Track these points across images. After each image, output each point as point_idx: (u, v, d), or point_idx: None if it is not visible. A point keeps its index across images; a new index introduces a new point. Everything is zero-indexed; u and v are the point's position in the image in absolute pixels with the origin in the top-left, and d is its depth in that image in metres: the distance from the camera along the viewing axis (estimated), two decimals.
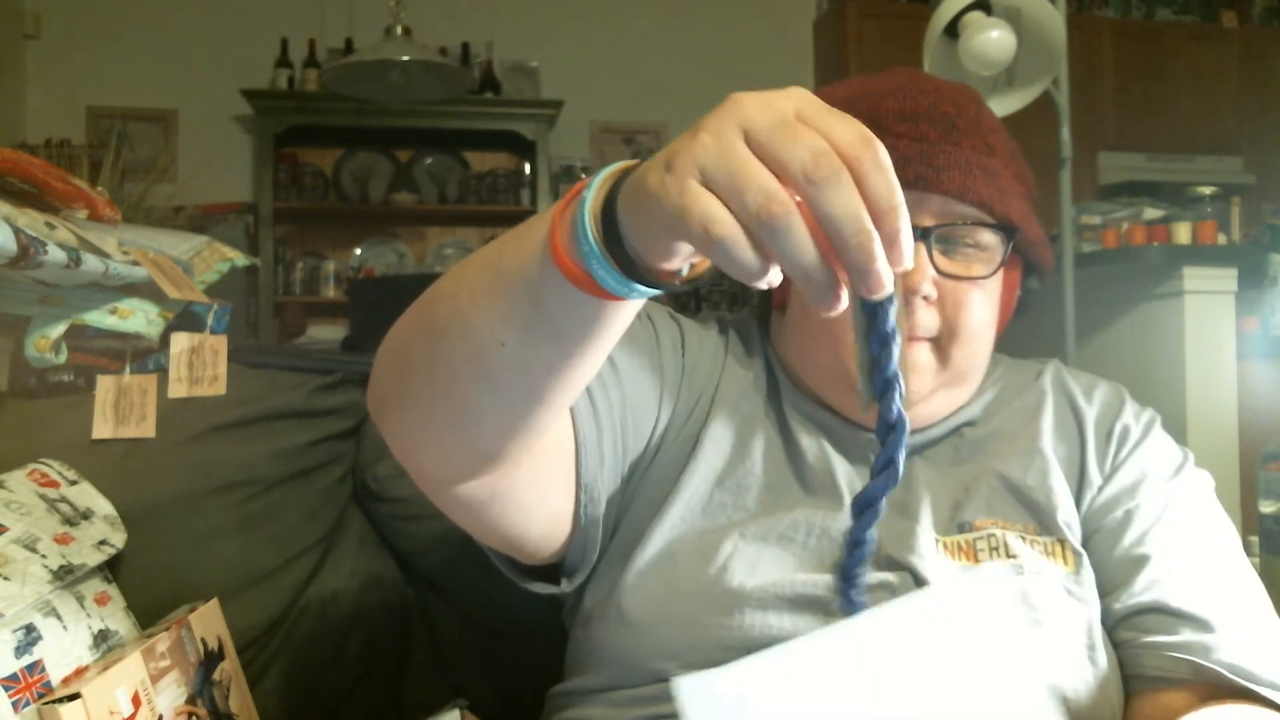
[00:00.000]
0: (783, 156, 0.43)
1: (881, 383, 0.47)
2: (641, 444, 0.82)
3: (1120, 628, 0.80)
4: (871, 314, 0.46)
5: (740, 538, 0.78)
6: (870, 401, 0.48)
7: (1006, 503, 0.82)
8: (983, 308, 0.81)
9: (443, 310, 0.59)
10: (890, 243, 0.44)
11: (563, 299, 0.51)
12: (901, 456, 0.47)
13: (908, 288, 0.77)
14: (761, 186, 0.43)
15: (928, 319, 0.79)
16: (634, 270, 0.48)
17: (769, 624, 0.74)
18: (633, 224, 0.47)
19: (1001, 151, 0.83)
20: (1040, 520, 0.81)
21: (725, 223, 0.43)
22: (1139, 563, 0.80)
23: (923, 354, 0.80)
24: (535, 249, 0.52)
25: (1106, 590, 0.81)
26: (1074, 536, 0.82)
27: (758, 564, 0.76)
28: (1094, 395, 0.89)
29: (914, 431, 0.84)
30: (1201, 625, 0.76)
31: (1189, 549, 0.80)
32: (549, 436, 0.69)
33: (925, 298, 0.78)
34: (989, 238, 0.81)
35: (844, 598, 0.52)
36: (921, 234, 0.78)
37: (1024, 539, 0.80)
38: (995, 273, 0.81)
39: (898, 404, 0.47)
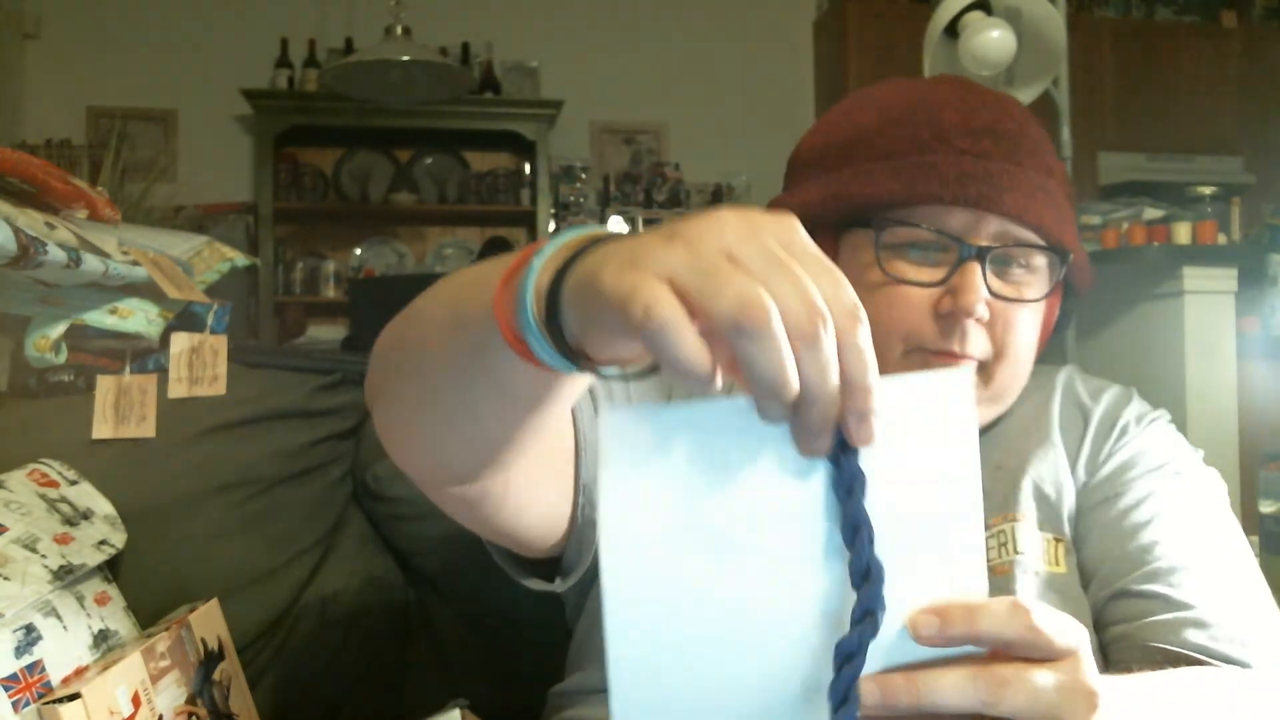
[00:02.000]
0: (770, 290, 0.39)
1: (850, 530, 0.43)
2: None
3: (1101, 613, 0.80)
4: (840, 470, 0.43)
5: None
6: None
7: (1016, 496, 0.83)
8: (1030, 329, 0.81)
9: (413, 335, 0.59)
10: (860, 420, 0.41)
11: (509, 364, 0.48)
12: (880, 607, 0.43)
13: (963, 308, 0.75)
14: (742, 289, 0.38)
15: (978, 341, 0.78)
16: (575, 358, 0.45)
17: None
18: (575, 308, 0.43)
19: (1058, 172, 0.82)
20: (1048, 514, 0.82)
21: (669, 307, 0.39)
22: (1119, 546, 0.80)
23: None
24: (482, 307, 0.48)
25: (1089, 575, 0.81)
26: (1072, 532, 0.82)
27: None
28: (1102, 396, 0.89)
29: None
30: (1176, 605, 0.76)
31: (1166, 535, 0.80)
32: (544, 443, 0.68)
33: (978, 319, 0.77)
34: (1042, 260, 0.80)
35: None
36: (977, 254, 0.76)
37: (1031, 532, 0.80)
38: (1047, 296, 0.80)
39: (867, 551, 0.43)
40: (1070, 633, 0.45)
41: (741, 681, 0.45)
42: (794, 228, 0.41)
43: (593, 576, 0.84)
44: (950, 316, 0.76)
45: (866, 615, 0.43)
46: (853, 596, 0.43)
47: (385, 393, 0.64)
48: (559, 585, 0.81)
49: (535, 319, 0.45)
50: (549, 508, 0.75)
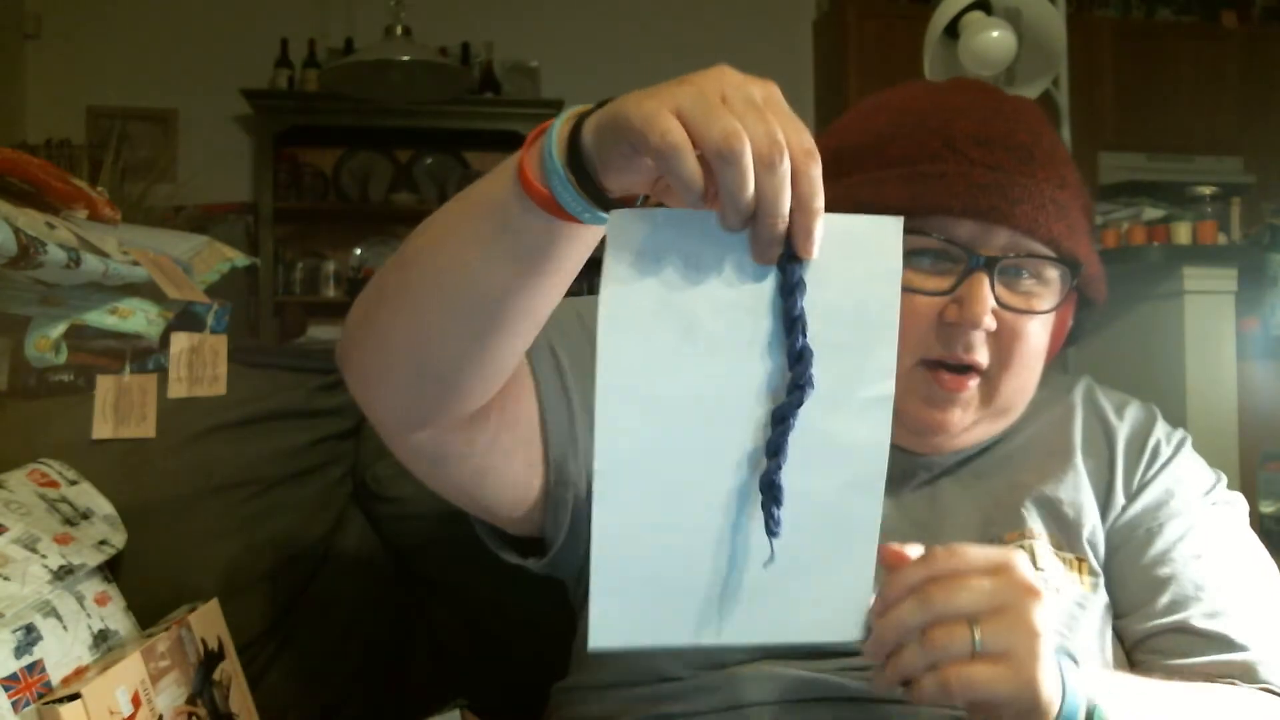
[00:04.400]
0: (745, 126, 0.49)
1: (789, 321, 0.54)
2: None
3: (1139, 649, 0.79)
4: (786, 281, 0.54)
5: None
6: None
7: (1035, 515, 0.81)
8: (1038, 341, 0.80)
9: (416, 243, 0.64)
10: (805, 235, 0.52)
11: (525, 219, 0.56)
12: (809, 384, 0.54)
13: (970, 319, 0.75)
14: (727, 125, 0.49)
15: (983, 350, 0.78)
16: (592, 194, 0.54)
17: None
18: (597, 141, 0.53)
19: (1071, 183, 0.81)
20: (1066, 535, 0.81)
21: (679, 133, 0.49)
22: (1161, 583, 0.79)
23: (970, 391, 0.78)
24: (505, 177, 0.57)
25: (1127, 609, 0.81)
26: (1095, 555, 0.81)
27: None
28: (1125, 412, 0.88)
29: (946, 455, 0.84)
30: (1227, 645, 0.76)
31: (1214, 570, 0.79)
32: (500, 401, 0.70)
33: (985, 329, 0.76)
34: (1053, 272, 0.79)
35: (765, 512, 0.55)
36: (986, 264, 0.76)
37: (1050, 550, 0.80)
38: (1056, 308, 0.80)
39: (801, 339, 0.54)
40: (996, 554, 0.58)
41: (700, 440, 0.55)
42: (773, 88, 0.52)
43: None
44: (956, 326, 0.76)
45: (797, 389, 0.54)
46: (788, 375, 0.54)
47: (364, 331, 0.67)
48: (533, 564, 0.81)
49: (561, 162, 0.54)
50: (515, 478, 0.76)
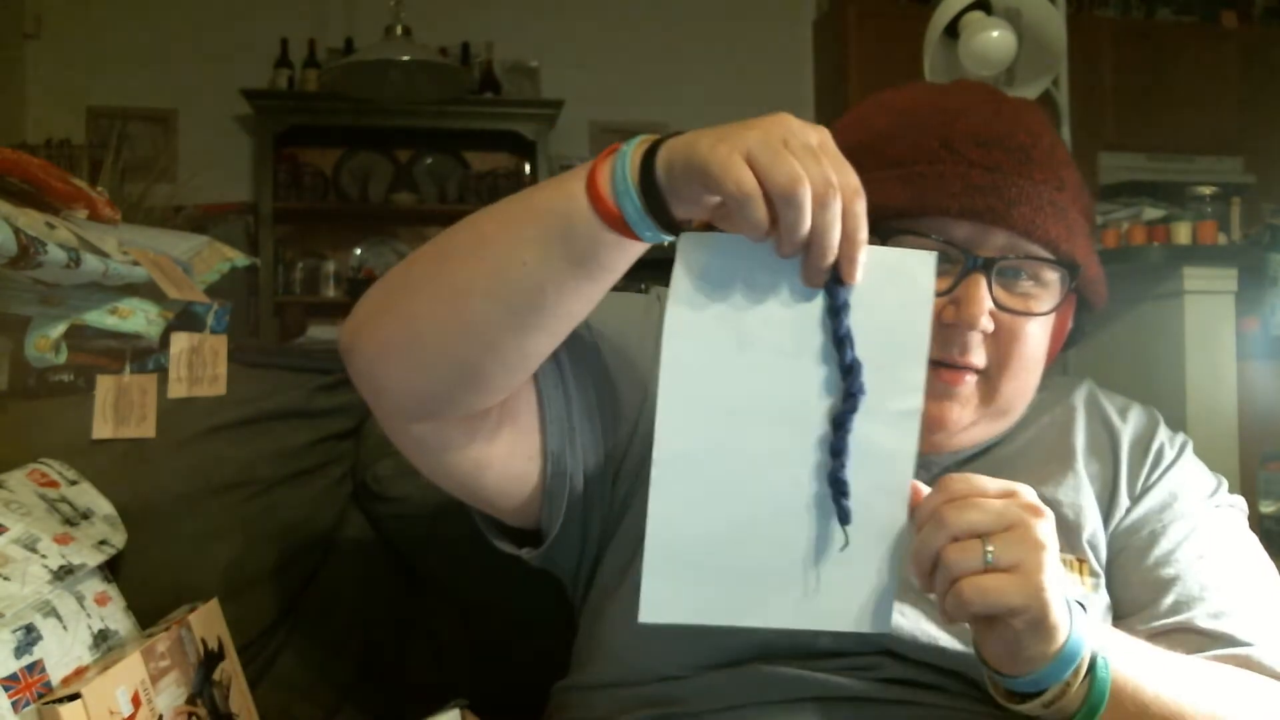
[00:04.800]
0: (805, 170, 0.57)
1: (839, 336, 0.61)
2: (613, 438, 0.82)
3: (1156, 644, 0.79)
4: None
5: None
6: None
7: None
8: (1036, 342, 0.80)
9: (461, 239, 0.68)
10: (850, 262, 0.60)
11: (589, 230, 0.62)
12: (860, 391, 0.61)
13: (966, 320, 0.76)
14: (791, 170, 0.56)
15: (980, 351, 0.78)
16: (657, 217, 0.60)
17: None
18: (670, 175, 0.59)
19: (1071, 184, 0.81)
20: (1066, 536, 0.80)
21: (752, 183, 0.56)
22: (1165, 584, 0.80)
23: (967, 385, 0.79)
24: (573, 188, 0.62)
25: (1130, 610, 0.81)
26: (1096, 557, 0.82)
27: None
28: (1129, 415, 0.89)
29: (944, 455, 0.84)
30: (1232, 644, 0.76)
31: (1217, 571, 0.80)
32: (505, 399, 0.72)
33: (982, 331, 0.77)
34: (1051, 274, 0.79)
35: (836, 505, 0.62)
36: (983, 265, 0.76)
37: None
38: (1054, 310, 0.80)
39: (851, 352, 0.61)
40: (1005, 481, 0.63)
41: (751, 439, 0.62)
42: (826, 133, 0.59)
43: (595, 570, 0.84)
44: (953, 327, 0.76)
45: (850, 396, 0.61)
46: (839, 385, 0.61)
47: (385, 316, 0.68)
48: (528, 554, 0.82)
49: (633, 184, 0.60)
50: (514, 470, 0.77)
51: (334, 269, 4.45)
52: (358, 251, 4.55)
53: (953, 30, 2.22)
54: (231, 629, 0.96)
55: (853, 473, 0.62)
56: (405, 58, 3.11)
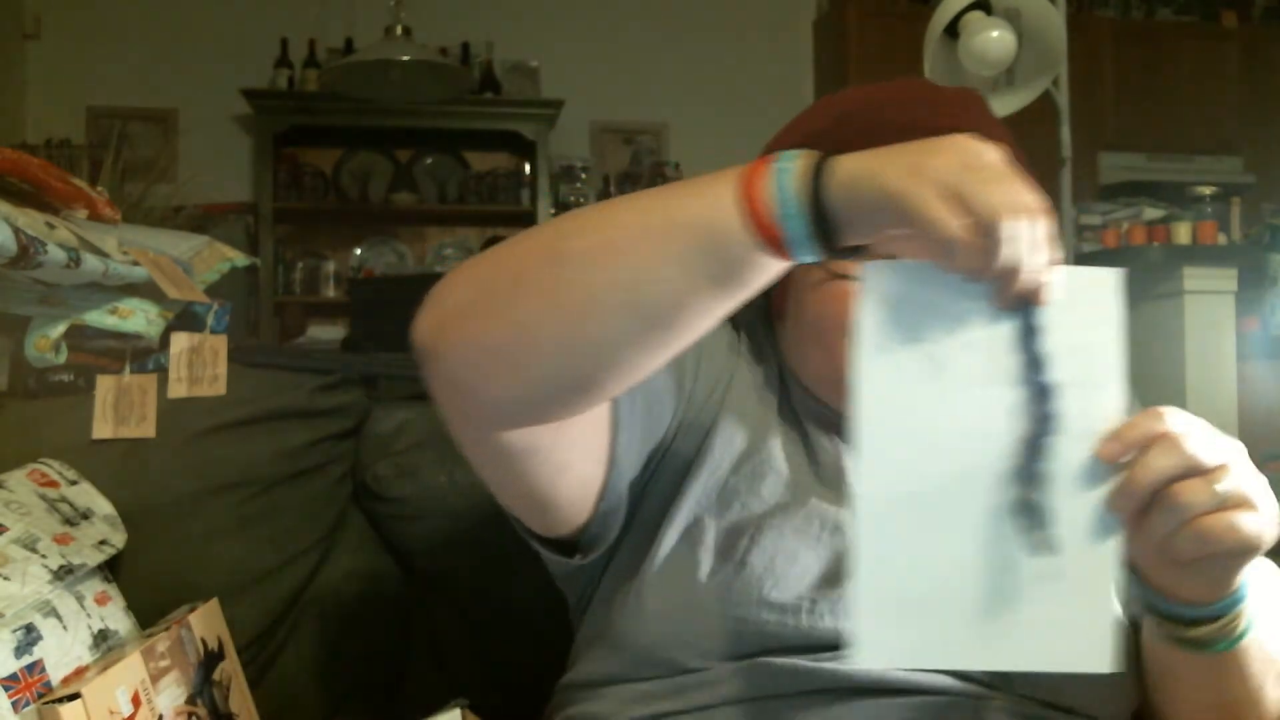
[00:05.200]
0: (1003, 196, 0.55)
1: (1032, 360, 0.59)
2: (661, 431, 0.83)
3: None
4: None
5: (757, 530, 0.79)
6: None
7: None
8: None
9: (583, 244, 0.63)
10: (1041, 285, 0.58)
11: (739, 248, 0.59)
12: (1054, 413, 0.59)
13: None
14: (993, 201, 0.55)
15: None
16: (822, 241, 0.58)
17: (785, 621, 0.75)
18: (851, 203, 0.57)
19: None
20: None
21: (961, 225, 0.55)
22: None
23: None
24: (721, 203, 0.59)
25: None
26: None
27: (775, 558, 0.77)
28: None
29: None
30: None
31: None
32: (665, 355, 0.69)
33: None
34: None
35: (1035, 534, 0.60)
36: None
37: None
38: None
39: (1046, 374, 0.59)
40: (1223, 445, 0.61)
41: (952, 468, 0.60)
42: (1003, 153, 0.57)
43: (602, 565, 0.85)
44: None
45: (1045, 419, 0.59)
46: (1033, 408, 0.59)
47: (487, 317, 0.64)
48: (579, 560, 0.82)
49: (801, 207, 0.57)
50: (584, 476, 0.76)
51: (334, 269, 4.45)
52: (358, 251, 4.55)
53: (953, 30, 2.22)
54: (231, 629, 0.96)
55: (1056, 499, 0.59)
56: (405, 58, 3.11)
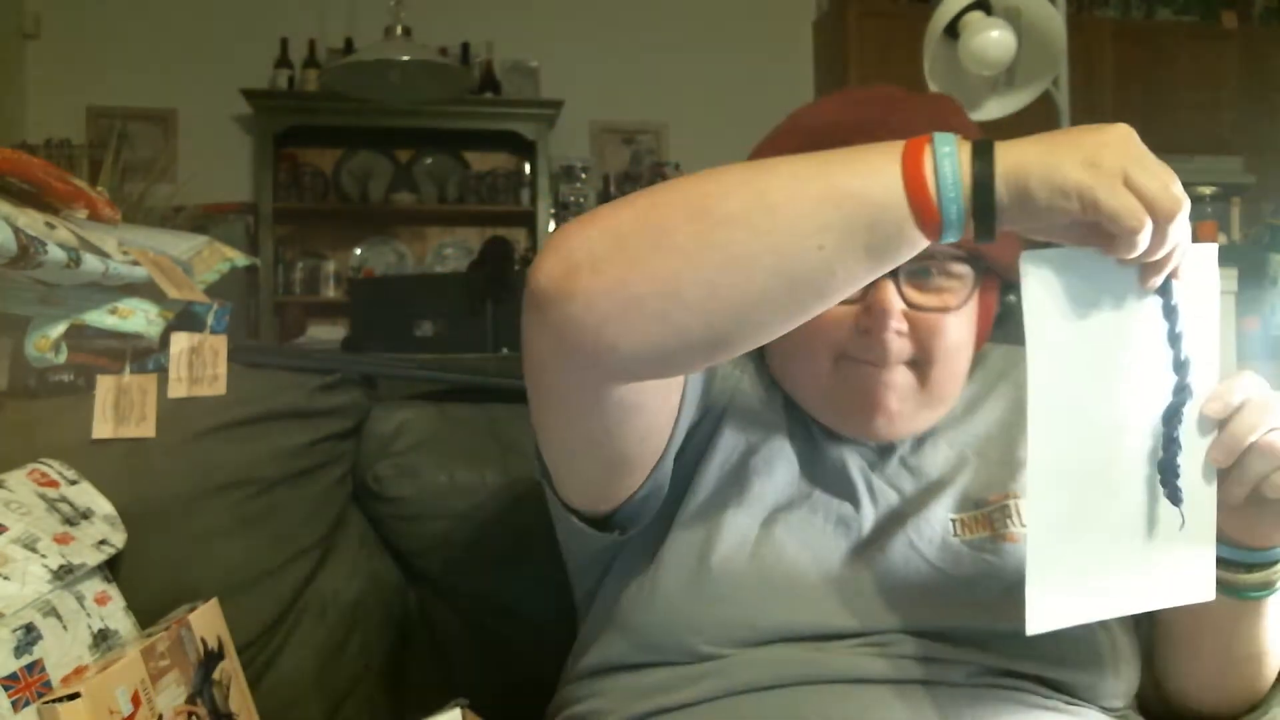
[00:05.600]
0: (1170, 188, 0.59)
1: (1174, 334, 0.66)
2: (694, 414, 0.84)
3: None
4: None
5: (769, 520, 0.81)
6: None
7: (1011, 475, 0.84)
8: (957, 331, 0.82)
9: (737, 202, 0.63)
10: (1181, 263, 0.64)
11: (897, 224, 0.61)
12: (1190, 388, 0.66)
13: (876, 326, 0.78)
14: (1172, 193, 0.59)
15: (900, 348, 0.80)
16: (980, 223, 0.61)
17: (796, 609, 0.77)
18: (1023, 192, 0.59)
19: None
20: None
21: (1147, 215, 0.58)
22: None
23: (900, 375, 0.81)
24: (884, 176, 0.61)
25: None
26: None
27: (786, 546, 0.79)
28: None
29: (892, 453, 0.87)
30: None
31: None
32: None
33: (897, 331, 0.79)
34: (960, 267, 0.81)
35: (1167, 488, 0.67)
36: (891, 271, 0.76)
37: None
38: (966, 303, 0.82)
39: (1183, 347, 0.66)
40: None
41: (1107, 440, 0.66)
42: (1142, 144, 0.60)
43: (615, 552, 0.85)
44: (868, 332, 0.79)
45: (1182, 389, 0.66)
46: (1171, 380, 0.66)
47: (629, 266, 0.62)
48: (619, 535, 0.83)
49: (965, 190, 0.60)
50: (657, 443, 0.78)
51: (334, 269, 4.45)
52: (358, 251, 4.55)
53: (953, 30, 2.22)
54: (231, 629, 0.96)
55: (1182, 457, 0.66)
56: (405, 58, 3.11)
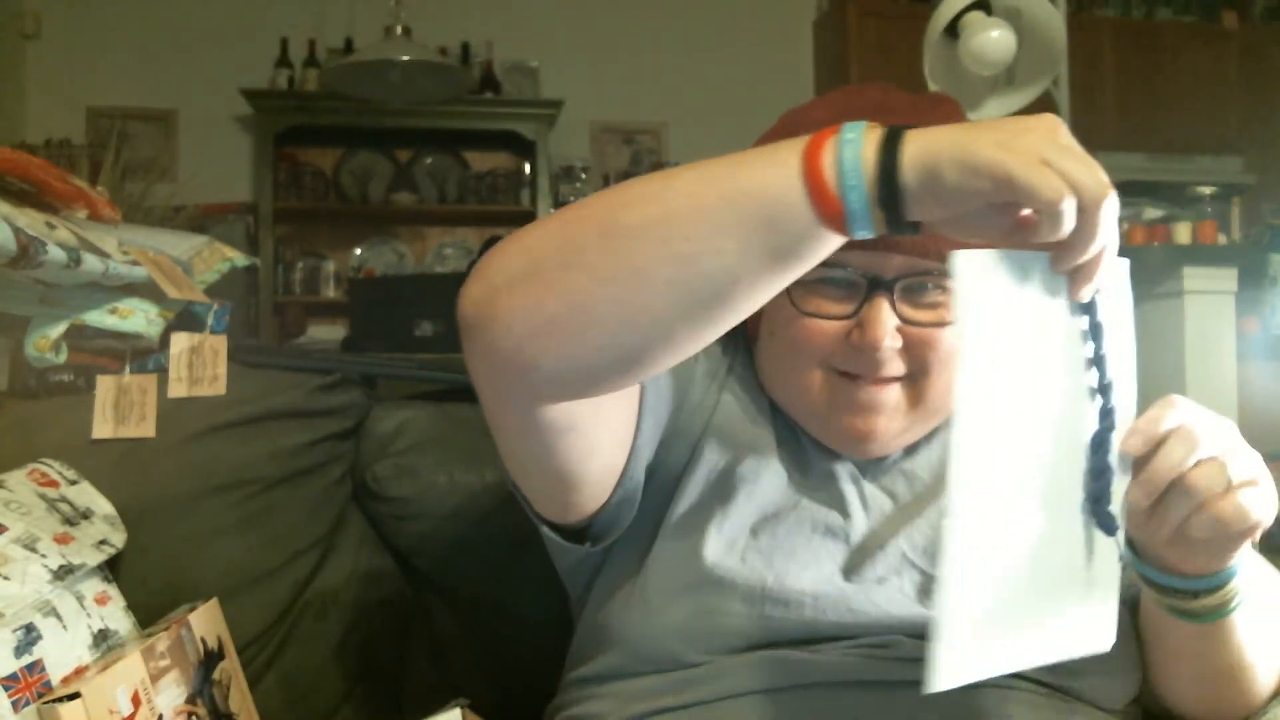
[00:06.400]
0: (1094, 173, 0.55)
1: (1099, 356, 0.60)
2: (666, 423, 0.84)
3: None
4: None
5: (756, 527, 0.80)
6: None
7: None
8: (952, 345, 0.80)
9: (638, 214, 0.61)
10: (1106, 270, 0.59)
11: (799, 222, 0.57)
12: (1114, 409, 0.61)
13: (869, 344, 0.77)
14: (1098, 179, 0.54)
15: (895, 365, 0.79)
16: (888, 217, 0.57)
17: (787, 615, 0.76)
18: (933, 176, 0.55)
19: None
20: None
21: (1070, 192, 0.54)
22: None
23: (891, 394, 0.80)
24: (784, 175, 0.57)
25: None
26: None
27: (774, 554, 0.78)
28: None
29: (885, 458, 0.86)
30: None
31: None
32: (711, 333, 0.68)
33: (891, 347, 0.78)
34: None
35: (1099, 518, 0.61)
36: (885, 286, 0.77)
37: None
38: None
39: (1108, 369, 0.60)
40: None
41: (1035, 477, 0.59)
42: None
43: (600, 561, 0.85)
44: (860, 349, 0.78)
45: (1109, 414, 0.60)
46: (1095, 403, 0.61)
47: (542, 288, 0.62)
48: (590, 547, 0.83)
49: (867, 178, 0.56)
50: (610, 459, 0.77)
51: (334, 269, 4.45)
52: (358, 251, 4.55)
53: (953, 30, 2.22)
54: (231, 629, 0.96)
55: (1115, 487, 0.62)
56: (405, 58, 3.11)
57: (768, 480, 0.83)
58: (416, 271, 4.56)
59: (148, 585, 0.97)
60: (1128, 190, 3.60)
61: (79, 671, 0.82)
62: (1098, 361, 0.60)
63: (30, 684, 0.77)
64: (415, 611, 1.18)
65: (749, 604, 0.76)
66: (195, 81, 4.29)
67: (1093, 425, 0.60)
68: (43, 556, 0.85)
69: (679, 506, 0.82)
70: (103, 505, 0.97)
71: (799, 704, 0.73)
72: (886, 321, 0.77)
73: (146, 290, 1.10)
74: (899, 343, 0.78)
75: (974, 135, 0.55)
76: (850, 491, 0.83)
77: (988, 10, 2.20)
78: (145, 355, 1.12)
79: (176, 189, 3.45)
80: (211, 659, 0.92)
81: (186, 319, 1.13)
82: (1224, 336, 2.44)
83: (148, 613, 0.94)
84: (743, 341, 0.93)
